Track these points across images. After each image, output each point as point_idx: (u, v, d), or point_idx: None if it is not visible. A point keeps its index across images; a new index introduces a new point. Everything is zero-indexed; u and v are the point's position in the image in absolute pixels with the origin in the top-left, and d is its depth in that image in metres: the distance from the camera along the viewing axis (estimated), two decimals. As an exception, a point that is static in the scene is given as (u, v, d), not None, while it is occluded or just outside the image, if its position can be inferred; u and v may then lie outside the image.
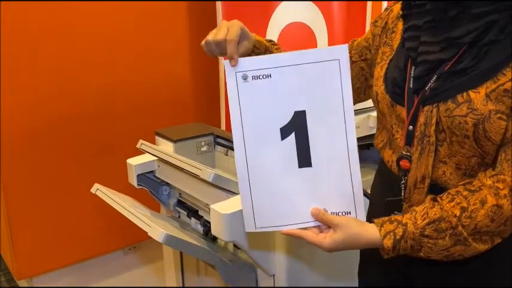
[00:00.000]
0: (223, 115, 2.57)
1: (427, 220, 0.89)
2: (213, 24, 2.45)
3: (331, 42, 2.79)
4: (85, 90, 2.30)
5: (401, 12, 1.05)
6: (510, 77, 0.86)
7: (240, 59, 0.96)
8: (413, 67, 0.99)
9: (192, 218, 1.80)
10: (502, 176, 0.87)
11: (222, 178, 1.42)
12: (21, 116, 2.14)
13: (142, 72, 2.46)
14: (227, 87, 0.97)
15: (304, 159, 0.96)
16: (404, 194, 1.01)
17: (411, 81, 0.98)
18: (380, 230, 0.92)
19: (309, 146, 0.95)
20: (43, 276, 2.38)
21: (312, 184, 0.96)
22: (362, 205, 0.96)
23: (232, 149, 1.85)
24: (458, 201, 0.89)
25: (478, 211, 0.87)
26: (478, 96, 0.88)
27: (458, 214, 0.87)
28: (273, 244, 1.45)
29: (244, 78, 0.95)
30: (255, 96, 0.96)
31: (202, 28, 2.53)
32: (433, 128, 0.93)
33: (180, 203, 1.89)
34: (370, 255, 1.24)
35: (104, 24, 2.30)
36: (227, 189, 1.46)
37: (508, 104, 0.86)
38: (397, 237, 0.91)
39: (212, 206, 1.39)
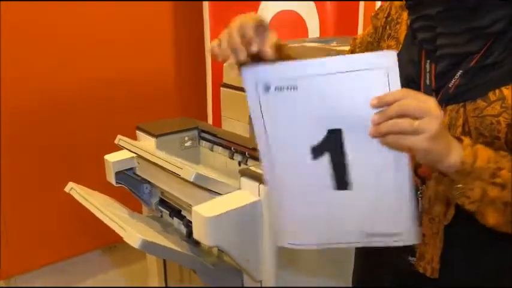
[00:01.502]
0: (209, 109, 2.48)
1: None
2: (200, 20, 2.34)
3: (323, 30, 2.68)
4: (63, 84, 2.22)
5: (405, 2, 0.96)
6: None
7: (260, 66, 0.80)
8: (427, 61, 0.90)
9: (175, 218, 1.69)
10: None
11: (205, 178, 1.31)
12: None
13: (124, 65, 2.38)
14: (247, 98, 0.82)
15: (341, 182, 0.82)
16: (422, 205, 0.91)
17: (427, 78, 0.89)
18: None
19: (347, 169, 0.81)
20: (20, 277, 2.29)
21: (352, 207, 0.84)
22: (415, 226, 0.82)
23: (218, 144, 1.76)
24: None
25: None
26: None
27: None
28: (261, 249, 1.35)
29: (266, 88, 0.80)
30: (279, 110, 0.81)
31: (187, 20, 2.45)
32: (460, 130, 0.85)
33: (163, 202, 1.78)
34: (364, 262, 1.14)
35: (85, 20, 2.22)
36: (211, 189, 1.35)
37: None
38: (480, 146, 0.78)
39: (194, 208, 1.28)
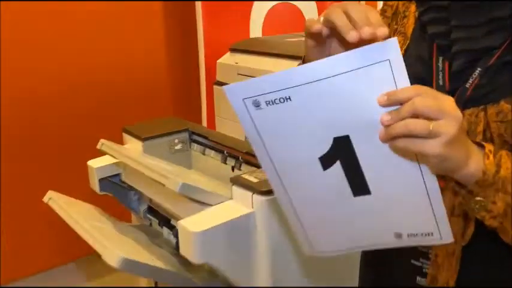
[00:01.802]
0: (204, 108, 2.37)
1: None
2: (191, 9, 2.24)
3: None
4: (47, 84, 2.11)
5: None
6: None
7: (241, 82, 0.70)
8: (440, 58, 0.80)
9: (164, 227, 1.58)
10: None
11: (193, 188, 1.20)
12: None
13: (113, 63, 2.28)
14: (238, 117, 0.74)
15: (358, 187, 0.76)
16: None
17: (440, 77, 0.80)
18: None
19: (362, 173, 0.74)
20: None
21: (376, 211, 0.78)
22: (447, 225, 0.75)
23: (211, 148, 1.65)
24: None
25: None
26: None
27: None
28: (255, 265, 1.23)
29: (256, 105, 0.72)
30: (276, 124, 0.73)
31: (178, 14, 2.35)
32: (480, 137, 0.75)
33: (151, 210, 1.67)
34: (368, 279, 1.04)
35: (73, 20, 2.13)
36: (200, 200, 1.24)
37: None
38: (504, 153, 0.69)
39: (180, 222, 1.17)
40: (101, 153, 1.61)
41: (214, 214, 1.20)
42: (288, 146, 0.75)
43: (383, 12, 0.96)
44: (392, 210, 0.76)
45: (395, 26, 0.92)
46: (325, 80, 0.66)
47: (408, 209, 0.75)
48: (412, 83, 0.69)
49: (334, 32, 0.70)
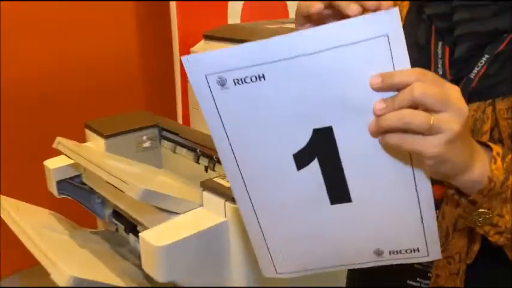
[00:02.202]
0: (179, 101, 2.23)
1: None
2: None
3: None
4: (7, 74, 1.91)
5: None
6: None
7: (207, 52, 0.58)
8: (439, 43, 0.72)
9: (130, 234, 1.44)
10: None
11: (157, 195, 1.06)
12: None
13: (80, 50, 2.12)
14: (197, 99, 0.62)
15: (337, 193, 0.66)
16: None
17: (440, 65, 0.72)
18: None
19: (343, 176, 0.64)
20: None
21: (355, 223, 0.69)
22: (436, 242, 0.67)
23: (182, 146, 1.50)
24: None
25: None
26: None
27: None
28: (229, 282, 1.10)
29: (221, 83, 0.60)
30: (243, 110, 0.62)
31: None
32: (486, 136, 0.67)
33: (117, 215, 1.52)
34: None
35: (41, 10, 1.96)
36: (166, 208, 1.09)
37: None
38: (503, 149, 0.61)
39: (142, 235, 1.03)
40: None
41: (182, 224, 1.07)
42: (257, 137, 0.64)
43: None
44: (375, 222, 0.68)
45: None
46: (308, 56, 0.56)
47: (394, 220, 0.67)
48: None
49: (332, 13, 0.62)
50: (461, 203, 0.64)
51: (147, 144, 1.56)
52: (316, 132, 0.62)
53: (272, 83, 0.59)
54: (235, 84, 0.59)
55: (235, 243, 1.07)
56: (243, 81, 0.59)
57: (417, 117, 0.52)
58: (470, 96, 0.68)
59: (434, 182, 0.69)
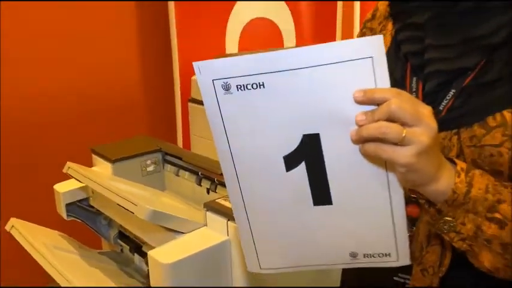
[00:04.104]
0: (179, 127, 2.30)
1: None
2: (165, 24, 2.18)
3: (299, 39, 2.51)
4: (8, 97, 1.98)
5: (389, 10, 0.83)
6: None
7: (216, 60, 0.66)
8: (413, 78, 0.77)
9: (136, 254, 1.49)
10: None
11: (164, 216, 1.12)
12: None
13: (83, 77, 2.17)
14: (203, 100, 0.69)
15: (321, 196, 0.72)
16: (413, 253, 0.77)
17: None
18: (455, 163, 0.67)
19: (326, 179, 0.70)
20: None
21: (334, 225, 0.74)
22: (406, 247, 0.72)
23: (184, 169, 1.57)
24: None
25: None
26: None
27: None
28: (230, 297, 1.16)
29: (226, 88, 0.67)
30: (243, 113, 0.69)
31: (152, 28, 2.28)
32: None
33: (122, 236, 1.58)
34: None
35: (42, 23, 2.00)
36: (172, 228, 1.16)
37: None
38: (477, 172, 0.66)
39: (150, 253, 1.09)
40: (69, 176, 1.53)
41: (187, 243, 1.13)
42: (253, 139, 0.70)
43: (362, 34, 0.94)
44: (352, 225, 0.73)
45: None
46: (303, 69, 0.63)
47: (369, 224, 0.72)
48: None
49: None
50: (430, 211, 0.69)
51: (151, 168, 1.63)
52: (305, 137, 0.68)
53: (270, 91, 0.66)
54: (237, 90, 0.66)
55: (237, 259, 1.13)
56: (245, 87, 0.66)
57: (392, 129, 0.58)
58: (439, 126, 0.70)
59: (411, 201, 0.76)
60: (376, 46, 0.61)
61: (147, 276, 1.36)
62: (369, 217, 0.71)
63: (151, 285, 1.11)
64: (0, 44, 1.93)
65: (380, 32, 0.88)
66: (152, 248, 1.15)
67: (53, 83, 2.09)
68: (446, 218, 0.67)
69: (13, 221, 1.37)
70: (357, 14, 2.58)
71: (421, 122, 0.58)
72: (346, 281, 1.03)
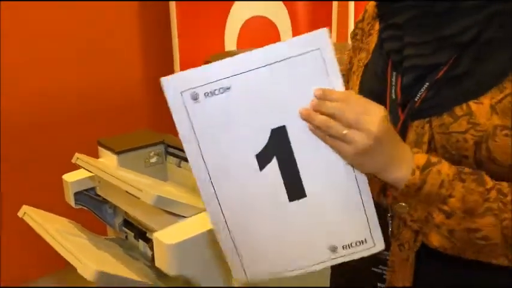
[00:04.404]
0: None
1: (465, 170, 0.73)
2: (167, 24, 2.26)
3: (296, 34, 2.60)
4: (19, 94, 2.06)
5: (376, 11, 0.88)
6: None
7: (182, 72, 0.70)
8: (394, 73, 0.83)
9: (140, 240, 1.58)
10: None
11: (168, 200, 1.21)
12: None
13: (87, 74, 2.25)
14: (173, 116, 0.71)
15: (294, 189, 0.74)
16: (392, 230, 0.83)
17: (393, 91, 0.82)
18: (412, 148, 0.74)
19: (298, 171, 0.73)
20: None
21: (310, 218, 0.76)
22: (378, 231, 0.76)
23: (186, 160, 1.65)
24: (497, 183, 0.72)
25: None
26: (481, 108, 0.72)
27: (496, 191, 0.71)
28: (230, 276, 1.24)
29: (194, 97, 0.70)
30: (213, 119, 0.71)
31: (154, 28, 2.36)
32: (425, 147, 0.77)
33: (127, 223, 1.67)
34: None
35: (45, 23, 2.08)
36: (175, 212, 1.25)
37: None
38: (431, 160, 0.72)
39: (155, 235, 1.18)
40: (76, 167, 1.61)
41: (189, 226, 1.22)
42: (225, 144, 0.72)
43: (354, 35, 0.99)
44: (327, 215, 0.75)
45: (361, 45, 0.94)
46: (262, 68, 0.68)
47: (342, 212, 0.75)
48: (367, 97, 0.72)
49: None
50: (389, 195, 0.77)
51: (154, 159, 1.72)
52: (273, 132, 0.70)
53: (236, 92, 0.69)
54: (205, 97, 0.69)
55: (235, 242, 1.22)
56: (212, 93, 0.69)
57: (334, 127, 0.67)
58: (413, 115, 0.79)
59: (388, 187, 0.79)
60: (322, 38, 0.67)
61: (152, 260, 1.46)
62: (341, 204, 0.74)
63: (156, 265, 1.20)
64: (1, 45, 2.01)
65: (368, 32, 0.94)
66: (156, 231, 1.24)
67: (60, 82, 2.17)
68: (401, 203, 0.74)
69: (25, 208, 1.46)
70: (351, 13, 2.66)
71: (361, 127, 0.66)
72: None
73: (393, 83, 0.82)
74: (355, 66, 0.94)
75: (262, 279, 0.80)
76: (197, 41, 2.30)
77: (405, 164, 0.71)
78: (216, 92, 0.69)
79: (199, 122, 0.71)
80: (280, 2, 2.52)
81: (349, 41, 1.05)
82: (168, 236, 1.17)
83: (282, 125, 0.71)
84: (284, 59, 0.68)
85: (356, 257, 0.77)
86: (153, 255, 1.47)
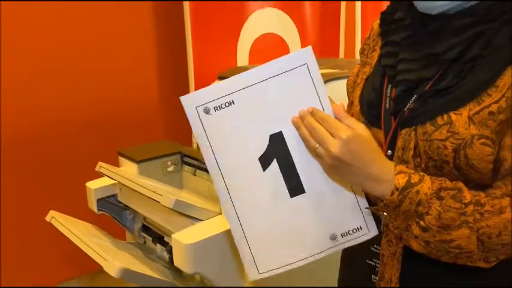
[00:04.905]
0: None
1: (445, 185, 0.80)
2: (182, 39, 2.37)
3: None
4: (40, 106, 2.19)
5: (380, 29, 0.97)
6: (497, 98, 0.77)
7: (195, 92, 0.83)
8: (389, 86, 0.91)
9: (158, 244, 1.68)
10: None
11: (185, 204, 1.31)
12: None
13: (106, 86, 2.38)
14: (192, 127, 0.84)
15: (294, 186, 0.85)
16: (382, 226, 0.92)
17: (387, 102, 0.90)
18: (395, 165, 0.82)
19: (296, 170, 0.84)
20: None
21: (311, 211, 0.86)
22: (371, 218, 0.86)
23: (201, 169, 1.76)
24: (476, 195, 0.79)
25: (492, 216, 0.77)
26: (459, 118, 0.80)
27: (473, 205, 0.78)
28: (242, 275, 1.34)
29: (206, 111, 0.83)
30: (223, 128, 0.84)
31: (171, 44, 2.46)
32: (411, 153, 0.85)
33: (145, 228, 1.77)
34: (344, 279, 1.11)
35: (62, 30, 2.20)
36: (192, 216, 1.35)
37: (493, 128, 0.77)
38: (412, 181, 0.79)
39: (174, 236, 1.28)
40: (98, 175, 1.72)
41: (205, 228, 1.31)
42: (234, 149, 0.84)
43: (362, 51, 1.07)
44: (325, 207, 0.85)
45: (366, 59, 1.02)
46: (259, 83, 0.81)
47: (338, 204, 0.85)
48: (367, 108, 0.86)
49: None
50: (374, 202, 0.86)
51: (171, 168, 1.82)
52: (272, 137, 0.83)
53: (239, 106, 0.82)
54: (215, 111, 0.82)
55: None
56: (220, 107, 0.82)
57: (310, 141, 0.78)
58: (402, 124, 0.86)
59: None
60: (307, 55, 0.79)
61: (169, 262, 1.56)
62: (336, 196, 0.85)
63: (174, 263, 1.30)
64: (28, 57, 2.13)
65: (373, 48, 1.01)
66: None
67: (81, 97, 2.29)
68: (384, 213, 0.82)
69: (52, 213, 1.57)
70: (358, 13, 2.79)
71: (325, 146, 0.76)
72: None
73: (388, 95, 0.90)
74: (359, 79, 1.01)
75: (273, 272, 0.88)
76: (211, 57, 2.41)
77: (385, 183, 0.79)
78: (223, 106, 0.82)
79: (212, 131, 0.83)
80: (290, 20, 2.63)
81: (357, 54, 1.12)
82: (186, 236, 1.26)
83: (279, 130, 0.82)
84: (276, 75, 0.80)
85: (354, 243, 0.87)
86: (170, 257, 1.57)
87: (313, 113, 0.80)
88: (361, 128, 0.79)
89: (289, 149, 0.83)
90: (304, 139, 0.80)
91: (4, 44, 2.06)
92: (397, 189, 0.79)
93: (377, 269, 0.95)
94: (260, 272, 0.89)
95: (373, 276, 0.96)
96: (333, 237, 0.87)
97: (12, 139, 2.13)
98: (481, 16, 0.79)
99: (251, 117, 0.83)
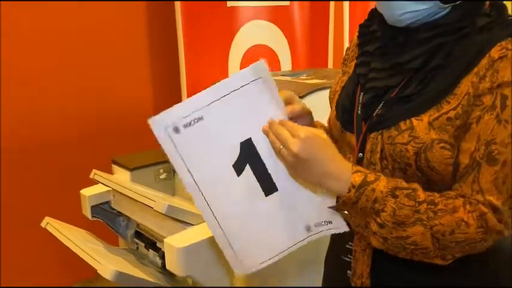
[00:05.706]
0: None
1: (401, 185, 0.85)
2: (174, 49, 2.43)
3: (295, 63, 2.77)
4: (35, 115, 2.22)
5: (358, 40, 1.04)
6: (454, 105, 0.83)
7: (164, 112, 0.84)
8: (361, 93, 0.96)
9: (150, 249, 1.72)
10: (478, 197, 0.82)
11: (177, 209, 1.36)
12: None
13: (101, 96, 2.42)
14: (163, 148, 0.85)
15: (268, 186, 0.89)
16: (353, 224, 0.97)
17: (359, 108, 0.95)
18: (353, 165, 0.86)
19: (268, 171, 0.88)
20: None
21: (285, 207, 0.91)
22: (339, 215, 0.90)
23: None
24: (430, 195, 0.84)
25: (445, 215, 0.82)
26: (420, 124, 0.85)
27: (426, 203, 0.83)
28: (231, 278, 1.38)
29: (176, 130, 0.84)
30: (194, 144, 0.86)
31: (163, 55, 2.52)
32: (378, 155, 0.91)
33: (138, 234, 1.80)
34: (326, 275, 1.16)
35: (57, 34, 2.24)
36: (183, 220, 1.39)
37: (452, 133, 0.83)
38: (368, 179, 0.84)
39: (166, 240, 1.32)
40: (92, 182, 1.76)
41: (197, 232, 1.35)
42: (208, 162, 0.87)
43: (344, 60, 1.12)
44: (297, 203, 0.90)
45: (345, 69, 1.08)
46: (222, 98, 0.84)
47: (309, 198, 0.89)
48: (341, 113, 0.93)
49: None
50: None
51: (163, 176, 1.87)
52: (242, 144, 0.86)
53: (207, 120, 0.84)
54: (185, 128, 0.84)
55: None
56: (189, 124, 0.84)
57: (276, 144, 0.82)
58: (371, 128, 0.91)
59: None
60: (261, 69, 0.83)
61: (161, 267, 1.60)
62: (306, 193, 0.89)
63: (167, 267, 1.34)
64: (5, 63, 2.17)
65: (352, 57, 1.07)
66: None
67: (74, 106, 2.33)
68: (343, 211, 0.88)
69: (47, 219, 1.61)
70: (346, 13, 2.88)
71: (287, 147, 0.81)
72: None
73: (360, 101, 0.95)
74: (338, 87, 1.07)
75: (259, 266, 0.92)
76: (203, 68, 2.46)
77: (342, 181, 0.84)
78: (192, 122, 0.84)
79: (184, 149, 0.85)
80: (280, 31, 2.70)
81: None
82: (178, 240, 1.30)
83: (248, 137, 0.87)
84: (236, 89, 0.84)
85: (327, 233, 0.92)
86: (162, 263, 1.61)
87: (280, 121, 0.84)
88: (318, 131, 0.84)
89: (259, 153, 0.87)
90: (271, 143, 0.84)
91: None
92: (353, 186, 0.84)
93: (352, 265, 1.00)
94: (245, 267, 0.93)
95: (348, 271, 1.01)
96: (308, 228, 0.91)
97: (8, 147, 2.16)
98: (443, 29, 0.85)
99: (221, 129, 0.86)
